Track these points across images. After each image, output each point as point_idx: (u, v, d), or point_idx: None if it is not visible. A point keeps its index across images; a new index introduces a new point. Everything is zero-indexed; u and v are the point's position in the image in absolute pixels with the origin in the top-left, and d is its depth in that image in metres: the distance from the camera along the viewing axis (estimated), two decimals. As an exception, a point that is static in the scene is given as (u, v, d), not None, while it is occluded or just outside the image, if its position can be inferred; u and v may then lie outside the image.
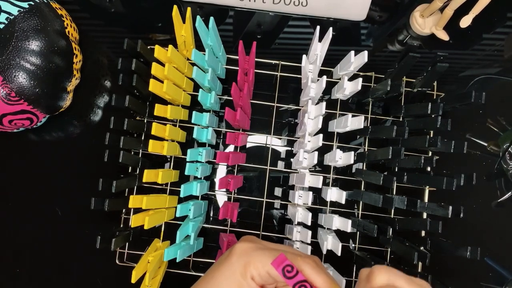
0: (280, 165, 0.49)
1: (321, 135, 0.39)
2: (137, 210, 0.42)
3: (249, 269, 0.28)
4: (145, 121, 0.47)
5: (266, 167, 0.49)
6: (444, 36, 0.50)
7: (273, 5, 0.50)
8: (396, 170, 0.47)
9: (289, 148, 0.50)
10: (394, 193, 0.46)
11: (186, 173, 0.40)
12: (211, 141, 0.45)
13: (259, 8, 0.51)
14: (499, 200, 0.49)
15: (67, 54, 0.44)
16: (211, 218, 0.49)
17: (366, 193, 0.44)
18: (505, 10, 0.54)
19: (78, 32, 0.48)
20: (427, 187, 0.47)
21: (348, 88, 0.41)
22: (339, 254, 0.40)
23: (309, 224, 0.40)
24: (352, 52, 0.40)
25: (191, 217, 0.42)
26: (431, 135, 0.48)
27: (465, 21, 0.46)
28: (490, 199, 0.49)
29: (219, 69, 0.47)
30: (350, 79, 0.42)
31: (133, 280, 0.38)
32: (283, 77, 0.50)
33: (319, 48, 0.42)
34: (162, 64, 0.41)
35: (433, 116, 0.42)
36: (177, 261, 0.39)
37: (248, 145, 0.50)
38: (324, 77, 0.39)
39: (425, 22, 0.51)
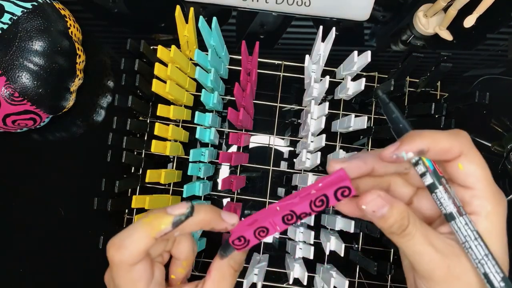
0: (283, 166, 0.49)
1: (324, 135, 0.39)
2: (140, 210, 0.42)
3: None
4: (148, 121, 0.47)
5: (269, 167, 0.48)
6: (447, 36, 0.50)
7: (276, 5, 0.50)
8: (400, 170, 0.46)
9: (292, 148, 0.50)
10: (398, 193, 0.46)
11: (189, 173, 0.40)
12: (213, 141, 0.45)
13: (262, 8, 0.51)
14: (503, 201, 0.48)
15: (70, 55, 0.44)
16: (213, 219, 0.49)
17: (369, 193, 0.44)
18: (509, 10, 0.53)
19: (81, 32, 0.48)
20: (431, 187, 0.47)
21: (351, 88, 0.41)
22: (342, 254, 0.40)
23: (312, 224, 0.40)
24: (355, 52, 0.40)
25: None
26: (435, 136, 0.47)
27: (469, 21, 0.46)
28: (494, 200, 0.49)
29: (222, 69, 0.47)
30: (353, 79, 0.41)
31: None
32: (286, 77, 0.49)
33: (322, 48, 0.42)
34: (165, 64, 0.41)
35: (436, 116, 0.42)
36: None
37: (251, 145, 0.50)
38: (327, 77, 0.39)
39: (429, 22, 0.50)
